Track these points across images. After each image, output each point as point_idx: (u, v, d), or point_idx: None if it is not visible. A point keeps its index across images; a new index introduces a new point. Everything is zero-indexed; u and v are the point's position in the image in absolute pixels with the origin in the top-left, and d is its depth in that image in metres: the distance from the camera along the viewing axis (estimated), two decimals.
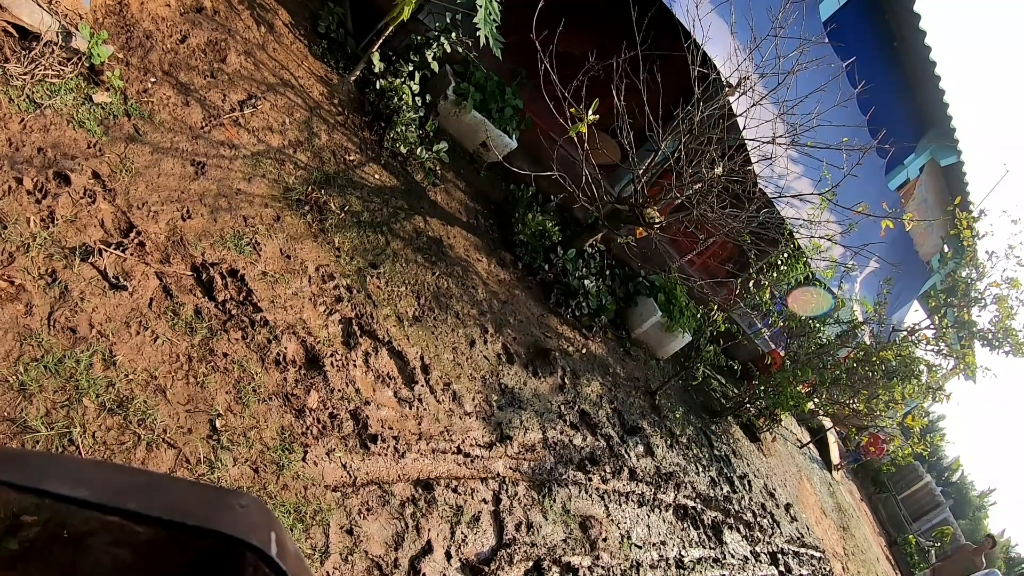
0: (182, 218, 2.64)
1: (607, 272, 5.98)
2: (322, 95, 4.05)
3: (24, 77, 2.38)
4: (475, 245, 4.68)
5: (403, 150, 4.32)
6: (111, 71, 2.73)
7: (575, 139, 4.29)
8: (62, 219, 2.22)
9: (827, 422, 10.16)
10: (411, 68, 4.41)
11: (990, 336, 7.13)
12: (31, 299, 1.97)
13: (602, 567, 3.31)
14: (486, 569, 2.66)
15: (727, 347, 6.73)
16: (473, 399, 3.44)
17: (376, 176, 4.10)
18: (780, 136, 4.70)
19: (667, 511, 4.37)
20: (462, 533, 2.72)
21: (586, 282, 5.31)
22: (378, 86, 4.27)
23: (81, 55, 2.62)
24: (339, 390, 2.69)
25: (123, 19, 3.03)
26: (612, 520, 3.73)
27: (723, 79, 4.60)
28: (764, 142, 4.72)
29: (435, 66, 4.56)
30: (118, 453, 1.88)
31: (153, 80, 2.97)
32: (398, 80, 4.28)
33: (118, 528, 0.52)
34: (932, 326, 7.55)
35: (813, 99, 4.62)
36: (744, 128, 4.76)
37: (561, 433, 3.91)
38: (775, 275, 6.34)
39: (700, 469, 5.36)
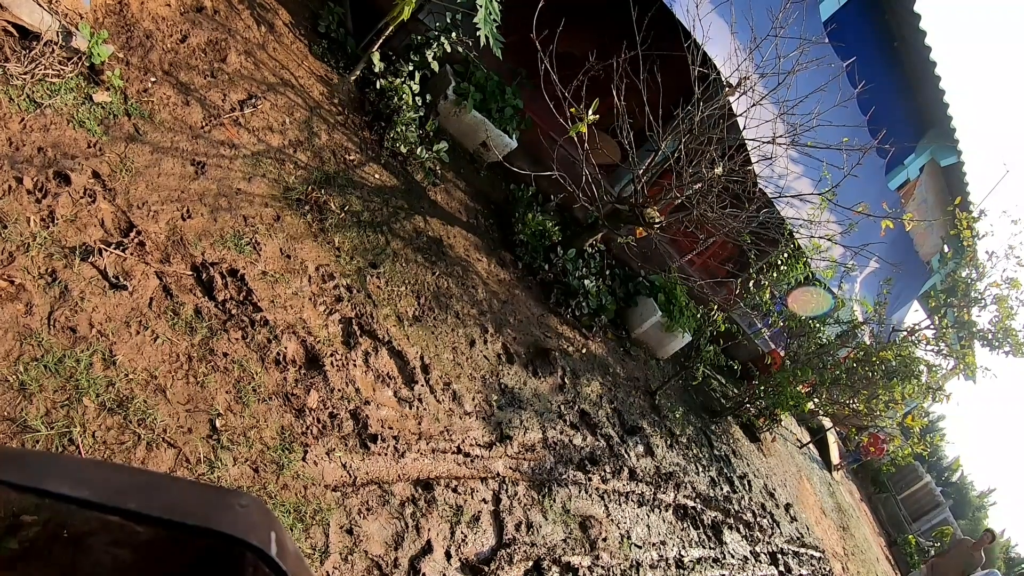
0: (182, 218, 2.64)
1: (607, 272, 5.98)
2: (322, 95, 4.05)
3: (24, 77, 2.38)
4: (475, 245, 4.68)
5: (403, 150, 4.32)
6: (111, 71, 2.73)
7: (575, 139, 4.29)
8: (62, 219, 2.22)
9: (827, 422, 10.16)
10: (411, 68, 4.41)
11: (990, 336, 7.13)
12: (31, 299, 1.97)
13: (602, 567, 3.31)
14: (486, 569, 2.66)
15: (727, 347, 6.73)
16: (473, 399, 3.44)
17: (376, 176, 4.10)
18: (780, 136, 4.70)
19: (667, 511, 4.37)
20: (462, 533, 2.72)
21: (586, 282, 5.31)
22: (378, 86, 4.27)
23: (81, 55, 2.62)
24: (339, 390, 2.69)
25: (123, 19, 3.03)
26: (612, 520, 3.73)
27: (723, 79, 4.60)
28: (764, 142, 4.72)
29: (435, 66, 4.56)
30: (118, 453, 1.88)
31: (153, 80, 2.97)
32: (398, 80, 4.28)
33: (118, 528, 0.52)
34: (932, 326, 7.55)
35: (813, 99, 4.62)
36: (744, 128, 4.76)
37: (561, 433, 3.91)
38: (775, 275, 6.34)
39: (700, 469, 5.36)
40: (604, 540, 3.51)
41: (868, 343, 7.25)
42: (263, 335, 2.57)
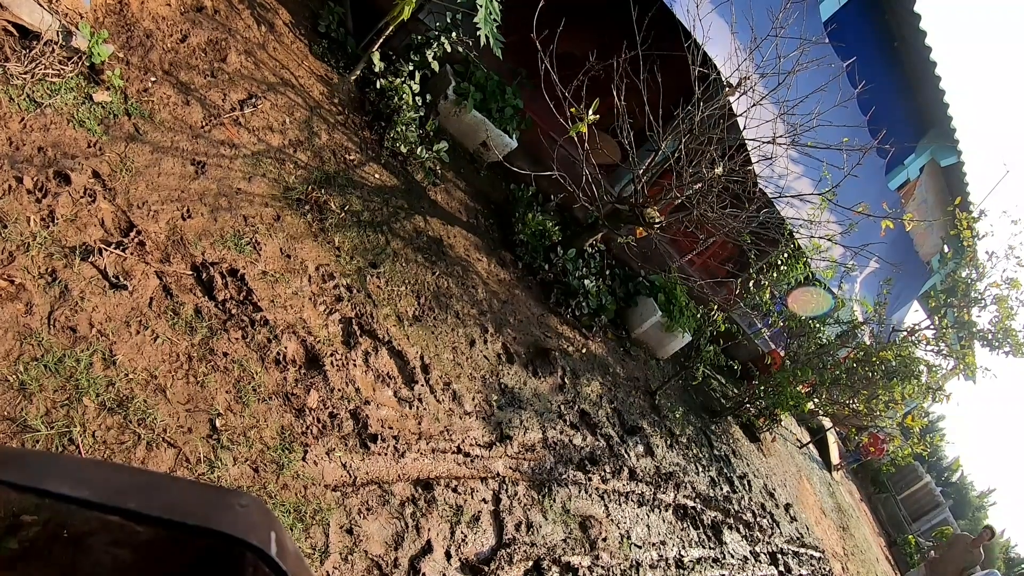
0: (182, 217, 2.64)
1: (607, 272, 5.98)
2: (322, 94, 4.04)
3: (24, 76, 2.38)
4: (475, 245, 4.68)
5: (403, 150, 4.32)
6: (111, 70, 2.73)
7: (575, 139, 4.29)
8: (62, 218, 2.22)
9: (827, 422, 10.16)
10: (411, 68, 4.41)
11: (990, 336, 7.13)
12: (31, 298, 1.97)
13: (602, 567, 3.31)
14: (486, 569, 2.66)
15: (727, 347, 6.73)
16: (473, 399, 3.44)
17: (376, 176, 4.10)
18: (780, 136, 4.70)
19: (667, 511, 4.37)
20: (462, 533, 2.72)
21: (586, 282, 5.31)
22: (378, 85, 4.27)
23: (81, 54, 2.62)
24: (339, 390, 2.69)
25: (123, 18, 3.03)
26: (612, 520, 3.73)
27: (723, 79, 4.60)
28: (764, 142, 4.72)
29: (435, 66, 4.56)
30: (118, 452, 1.88)
31: (153, 79, 2.97)
32: (398, 80, 4.28)
33: (118, 528, 0.52)
34: (932, 326, 7.54)
35: (813, 99, 4.62)
36: (744, 128, 4.76)
37: (561, 433, 3.91)
38: (775, 275, 6.34)
39: (700, 469, 5.36)
40: (604, 540, 3.51)
41: (868, 343, 7.25)
42: (263, 335, 2.57)
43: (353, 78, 4.32)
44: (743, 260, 7.26)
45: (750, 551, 5.09)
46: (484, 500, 2.98)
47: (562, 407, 4.15)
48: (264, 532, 0.55)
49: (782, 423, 8.45)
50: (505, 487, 3.14)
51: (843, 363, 7.10)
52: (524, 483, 3.31)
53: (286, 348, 2.62)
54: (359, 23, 4.65)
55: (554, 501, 3.40)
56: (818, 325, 7.13)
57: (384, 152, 4.28)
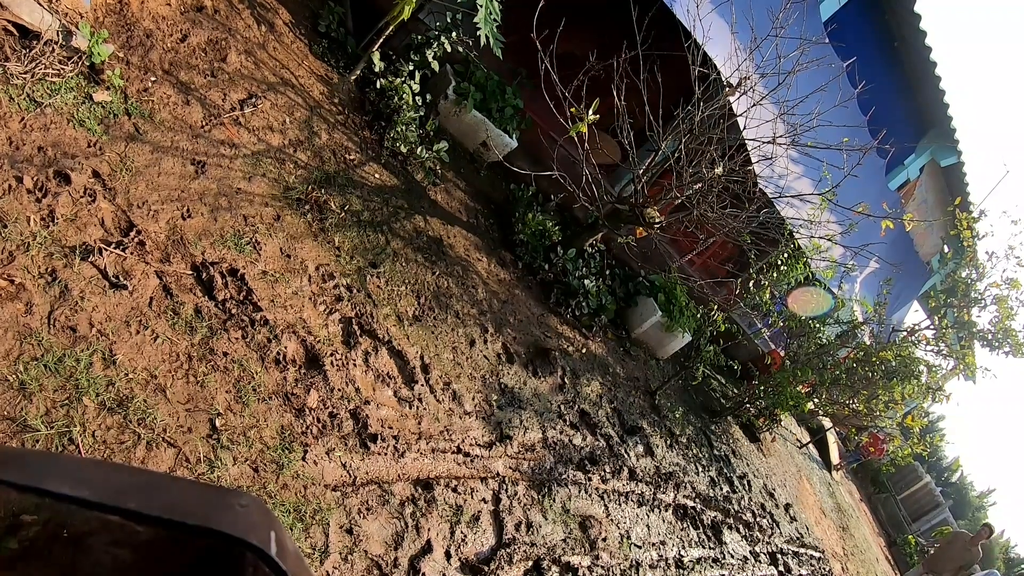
0: (182, 217, 2.64)
1: (607, 272, 5.98)
2: (322, 94, 4.04)
3: (24, 76, 2.38)
4: (475, 245, 4.68)
5: (403, 149, 4.32)
6: (111, 70, 2.73)
7: (575, 139, 4.29)
8: (62, 218, 2.22)
9: (827, 422, 10.16)
10: (411, 67, 4.41)
11: (990, 336, 7.13)
12: (31, 298, 1.97)
13: (602, 567, 3.31)
14: (486, 569, 2.66)
15: (727, 347, 6.73)
16: (473, 399, 3.45)
17: (376, 175, 4.10)
18: (780, 136, 4.70)
19: (667, 511, 4.37)
20: (462, 533, 2.72)
21: (586, 282, 5.31)
22: (378, 85, 4.27)
23: (81, 54, 2.62)
24: (339, 389, 2.69)
25: (123, 18, 3.03)
26: (612, 520, 3.73)
27: (723, 79, 4.60)
28: (764, 142, 4.72)
29: (435, 65, 4.56)
30: (118, 452, 1.88)
31: (153, 79, 2.97)
32: (398, 79, 4.28)
33: (118, 528, 0.52)
34: (932, 326, 7.54)
35: (813, 99, 4.62)
36: (744, 128, 4.76)
37: (561, 433, 3.91)
38: (775, 275, 6.34)
39: (700, 469, 5.36)
40: (604, 540, 3.51)
41: (868, 343, 7.25)
42: (263, 335, 2.57)
43: (353, 78, 4.32)
44: (743, 260, 7.26)
45: (750, 551, 5.09)
46: (484, 500, 2.98)
47: (562, 407, 4.15)
48: (264, 532, 0.55)
49: (782, 423, 8.45)
50: (505, 487, 3.14)
51: (843, 363, 7.10)
52: (524, 483, 3.31)
53: (286, 348, 2.62)
54: (359, 23, 4.65)
55: (554, 501, 3.40)
56: (818, 325, 7.13)
57: (384, 152, 4.28)
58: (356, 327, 3.03)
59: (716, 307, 6.24)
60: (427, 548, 2.51)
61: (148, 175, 2.64)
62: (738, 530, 5.17)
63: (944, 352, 7.31)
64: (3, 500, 0.53)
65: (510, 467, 3.31)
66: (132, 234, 2.39)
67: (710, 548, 4.53)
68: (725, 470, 5.85)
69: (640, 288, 6.30)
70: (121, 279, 2.23)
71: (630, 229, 5.22)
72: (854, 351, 7.21)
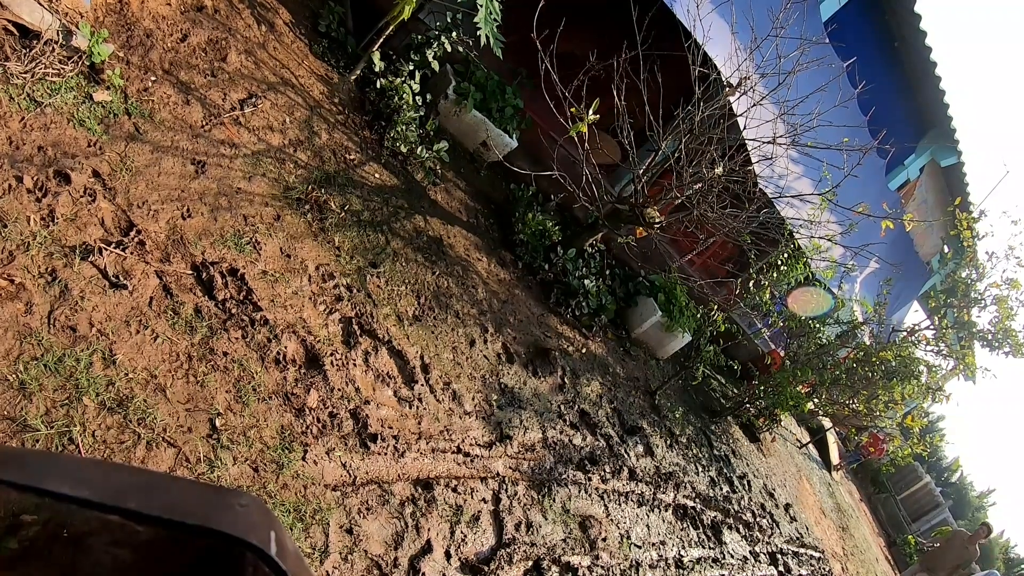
0: (182, 217, 2.64)
1: (607, 272, 5.98)
2: (322, 94, 4.04)
3: (24, 76, 2.38)
4: (475, 244, 4.68)
5: (403, 149, 4.32)
6: (111, 70, 2.73)
7: (575, 139, 4.29)
8: (62, 218, 2.22)
9: (827, 422, 10.15)
10: (411, 67, 4.41)
11: (990, 337, 7.13)
12: (31, 298, 1.97)
13: (602, 567, 3.31)
14: (486, 569, 2.66)
15: (727, 347, 6.73)
16: (473, 398, 3.45)
17: (376, 175, 4.10)
18: (780, 136, 4.70)
19: (667, 511, 4.37)
20: (462, 533, 2.72)
21: (586, 282, 5.31)
22: (378, 85, 4.27)
23: (81, 54, 2.62)
24: (339, 389, 2.69)
25: (123, 18, 3.03)
26: (612, 520, 3.73)
27: (723, 79, 4.60)
28: (764, 142, 4.72)
29: (435, 65, 4.56)
30: (118, 452, 1.88)
31: (153, 79, 2.97)
32: (398, 79, 4.28)
33: (118, 528, 0.52)
34: (932, 326, 7.54)
35: (813, 99, 4.62)
36: (744, 128, 4.76)
37: (561, 433, 3.91)
38: (775, 275, 6.33)
39: (700, 469, 5.37)
40: (604, 540, 3.51)
41: (868, 343, 7.25)
42: (263, 334, 2.57)
43: (353, 78, 4.32)
44: (743, 260, 7.26)
45: (750, 551, 5.09)
46: (484, 500, 2.98)
47: (562, 407, 4.15)
48: (264, 532, 0.55)
49: (782, 423, 8.45)
50: (505, 487, 3.14)
51: (843, 363, 7.10)
52: (524, 483, 3.31)
53: (286, 348, 2.62)
54: (359, 23, 4.65)
55: (554, 501, 3.40)
56: (818, 325, 7.13)
57: (384, 152, 4.28)
58: (356, 327, 3.03)
59: (716, 307, 6.24)
60: (427, 548, 2.51)
61: (148, 175, 2.64)
62: (738, 530, 5.17)
63: (944, 352, 7.31)
64: (3, 500, 0.53)
65: (510, 467, 3.31)
66: (132, 234, 2.39)
67: (710, 548, 4.53)
68: (725, 470, 5.85)
69: (640, 288, 6.30)
70: (121, 279, 2.23)
71: (630, 229, 5.22)
72: (854, 351, 7.21)
